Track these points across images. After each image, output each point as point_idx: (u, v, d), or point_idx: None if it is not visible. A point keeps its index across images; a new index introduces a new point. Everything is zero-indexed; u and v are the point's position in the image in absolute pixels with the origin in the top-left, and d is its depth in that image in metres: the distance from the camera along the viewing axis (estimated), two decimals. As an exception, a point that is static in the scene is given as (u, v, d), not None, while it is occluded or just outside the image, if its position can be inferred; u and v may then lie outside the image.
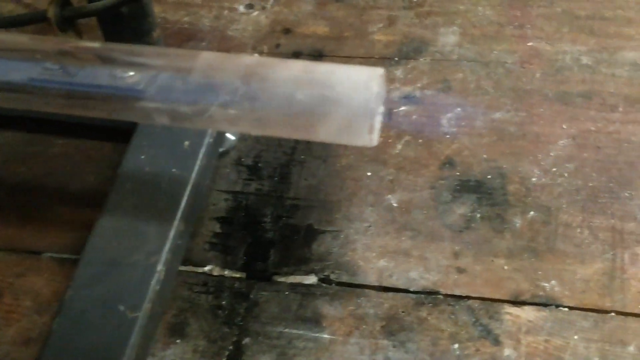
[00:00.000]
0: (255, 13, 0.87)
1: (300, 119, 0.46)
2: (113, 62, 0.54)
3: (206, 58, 0.48)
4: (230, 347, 0.64)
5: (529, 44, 0.81)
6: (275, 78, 0.46)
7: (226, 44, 0.85)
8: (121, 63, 0.53)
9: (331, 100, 0.45)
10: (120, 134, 0.72)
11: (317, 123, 0.46)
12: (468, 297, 0.65)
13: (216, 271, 0.69)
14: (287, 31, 0.85)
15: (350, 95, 0.45)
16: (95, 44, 0.56)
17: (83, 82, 0.55)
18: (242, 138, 0.77)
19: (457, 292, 0.66)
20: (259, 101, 0.46)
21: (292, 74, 0.46)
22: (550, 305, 0.64)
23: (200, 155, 0.68)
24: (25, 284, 0.69)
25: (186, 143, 0.69)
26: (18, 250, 0.71)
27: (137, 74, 0.52)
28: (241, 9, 0.88)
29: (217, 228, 0.71)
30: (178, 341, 0.65)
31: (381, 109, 0.46)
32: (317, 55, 0.82)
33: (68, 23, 0.67)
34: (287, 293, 0.67)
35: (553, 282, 0.65)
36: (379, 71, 0.46)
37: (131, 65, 0.53)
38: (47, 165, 0.77)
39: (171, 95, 0.48)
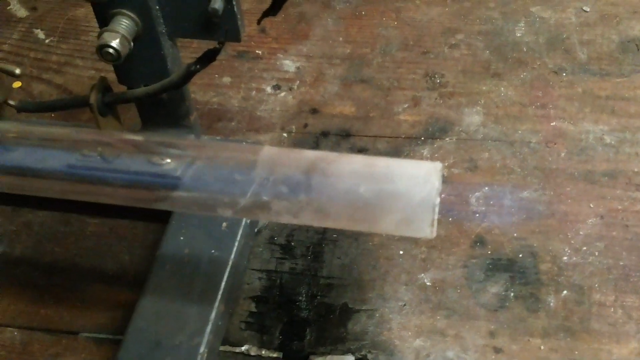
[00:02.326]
0: (283, 94, 0.89)
1: (363, 213, 0.47)
2: (154, 152, 0.55)
3: (269, 152, 0.49)
4: None
5: (552, 124, 0.83)
6: (337, 172, 0.47)
7: (255, 124, 0.87)
8: (168, 155, 0.54)
9: (394, 195, 0.46)
10: (152, 213, 0.74)
11: (379, 217, 0.47)
12: (506, 377, 0.66)
13: (253, 351, 0.69)
14: (314, 111, 0.87)
15: (413, 190, 0.46)
16: (138, 137, 0.57)
17: (121, 169, 0.55)
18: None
19: (495, 372, 0.66)
20: (322, 195, 0.47)
21: (354, 169, 0.47)
22: (588, 385, 0.65)
23: (239, 237, 0.69)
24: (63, 365, 0.70)
25: (224, 224, 0.70)
26: (54, 330, 0.72)
27: (174, 162, 0.53)
28: (269, 89, 0.90)
29: (253, 307, 0.72)
30: (218, 423, 0.65)
31: (438, 200, 0.47)
32: (345, 135, 0.84)
33: (108, 108, 0.69)
34: (324, 373, 0.67)
35: (590, 362, 0.66)
36: (438, 165, 0.48)
37: (171, 155, 0.54)
38: (81, 245, 0.78)
39: (229, 187, 0.50)
